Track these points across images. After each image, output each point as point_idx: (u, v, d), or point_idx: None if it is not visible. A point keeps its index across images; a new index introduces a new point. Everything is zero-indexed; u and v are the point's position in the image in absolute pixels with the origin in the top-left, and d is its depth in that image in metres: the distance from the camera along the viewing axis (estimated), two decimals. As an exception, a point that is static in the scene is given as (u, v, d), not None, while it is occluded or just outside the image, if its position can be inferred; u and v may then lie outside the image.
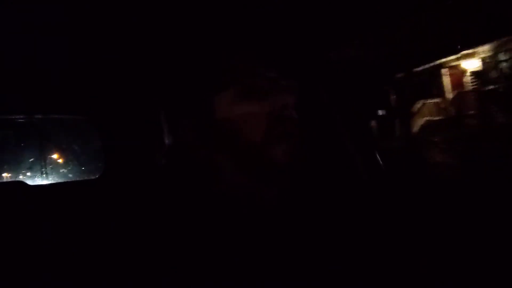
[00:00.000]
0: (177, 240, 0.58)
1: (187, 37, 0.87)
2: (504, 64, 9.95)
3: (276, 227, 0.61)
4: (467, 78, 11.47)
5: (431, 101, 11.98)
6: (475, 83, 11.13)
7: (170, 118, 0.67)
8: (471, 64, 11.11)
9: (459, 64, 11.48)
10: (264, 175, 0.60)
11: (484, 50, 10.32)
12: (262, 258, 0.57)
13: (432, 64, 11.38)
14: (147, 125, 1.00)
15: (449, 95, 12.00)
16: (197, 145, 0.63)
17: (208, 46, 0.70)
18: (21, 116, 1.29)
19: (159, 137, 0.70)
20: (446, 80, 12.07)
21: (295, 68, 1.02)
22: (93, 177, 1.34)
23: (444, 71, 11.95)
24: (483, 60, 10.65)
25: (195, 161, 0.63)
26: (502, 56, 10.01)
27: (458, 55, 10.92)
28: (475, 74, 11.17)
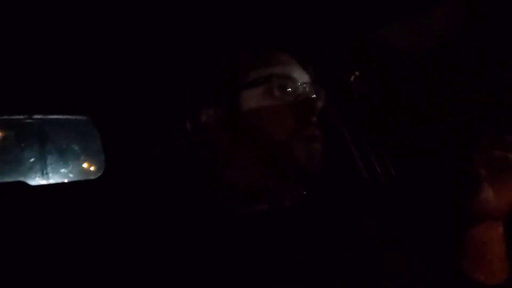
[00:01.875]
0: (191, 232, 0.58)
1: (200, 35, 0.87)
2: None
3: (290, 226, 0.62)
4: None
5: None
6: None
7: (195, 104, 0.68)
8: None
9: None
10: (285, 173, 0.62)
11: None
12: (271, 256, 0.57)
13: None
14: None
15: None
16: (219, 134, 0.64)
17: (248, 43, 0.70)
18: (21, 116, 1.29)
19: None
20: None
21: (324, 75, 1.03)
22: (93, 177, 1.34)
23: None
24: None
25: (215, 149, 0.64)
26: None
27: None
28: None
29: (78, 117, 1.45)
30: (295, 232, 0.61)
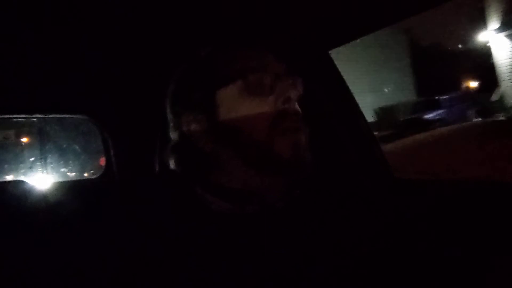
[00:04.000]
0: (181, 237, 0.58)
1: (190, 31, 0.86)
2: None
3: (282, 223, 0.61)
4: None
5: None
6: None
7: (174, 113, 0.67)
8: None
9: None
10: (270, 169, 0.61)
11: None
12: (265, 256, 0.57)
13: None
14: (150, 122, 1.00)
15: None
16: (202, 139, 0.63)
17: (212, 40, 0.69)
18: (21, 116, 1.29)
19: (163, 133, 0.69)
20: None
21: (299, 64, 1.02)
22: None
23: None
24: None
25: (200, 155, 0.63)
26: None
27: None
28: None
29: (78, 117, 1.45)
30: (288, 233, 0.60)
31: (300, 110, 0.64)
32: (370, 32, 0.98)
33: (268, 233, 0.59)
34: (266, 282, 0.56)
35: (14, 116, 1.30)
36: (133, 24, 0.85)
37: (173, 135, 0.68)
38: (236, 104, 0.60)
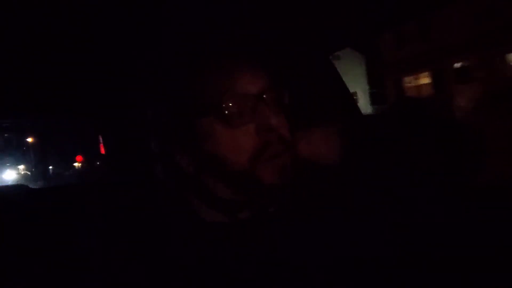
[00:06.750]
0: (177, 246, 0.59)
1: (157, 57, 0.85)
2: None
3: (277, 226, 0.61)
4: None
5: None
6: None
7: (159, 134, 0.67)
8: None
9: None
10: (254, 193, 0.60)
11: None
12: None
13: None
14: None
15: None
16: (185, 162, 0.62)
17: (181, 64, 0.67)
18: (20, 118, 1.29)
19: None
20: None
21: (303, 69, 1.02)
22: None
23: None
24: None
25: (184, 176, 0.63)
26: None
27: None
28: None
29: (78, 118, 1.45)
30: (283, 235, 0.60)
31: (287, 134, 0.61)
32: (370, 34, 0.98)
33: (264, 238, 0.60)
34: (264, 285, 0.56)
35: (13, 117, 1.30)
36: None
37: (155, 148, 0.68)
38: (214, 133, 0.58)
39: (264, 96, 0.59)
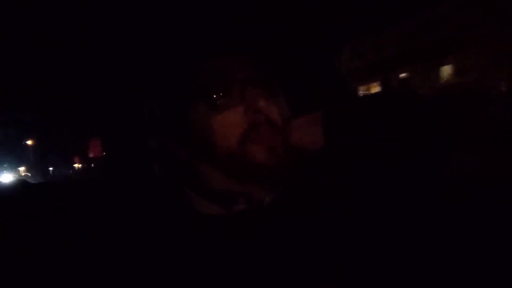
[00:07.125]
0: (174, 239, 0.59)
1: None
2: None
3: (273, 218, 0.62)
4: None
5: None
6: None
7: (154, 124, 0.68)
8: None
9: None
10: (248, 176, 0.61)
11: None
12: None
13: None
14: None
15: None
16: (178, 150, 0.64)
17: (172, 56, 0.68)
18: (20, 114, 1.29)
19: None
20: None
21: (306, 68, 1.03)
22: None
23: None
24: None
25: (178, 164, 0.64)
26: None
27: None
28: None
29: (77, 116, 1.45)
30: (277, 228, 0.61)
31: (277, 117, 0.63)
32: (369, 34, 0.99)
33: (260, 230, 0.60)
34: (262, 279, 0.56)
35: (13, 113, 1.30)
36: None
37: (153, 144, 0.69)
38: (204, 119, 0.60)
39: (252, 81, 0.61)
